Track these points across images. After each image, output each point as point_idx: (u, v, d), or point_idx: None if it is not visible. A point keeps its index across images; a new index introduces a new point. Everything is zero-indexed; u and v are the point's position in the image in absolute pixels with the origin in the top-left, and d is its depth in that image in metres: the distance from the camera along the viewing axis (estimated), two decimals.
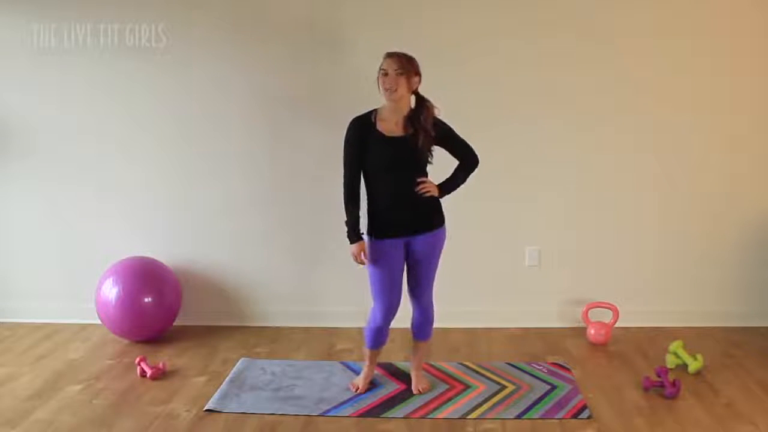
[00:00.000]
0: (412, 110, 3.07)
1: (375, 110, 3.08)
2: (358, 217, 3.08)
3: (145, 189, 4.12)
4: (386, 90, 2.99)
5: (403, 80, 2.97)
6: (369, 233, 3.11)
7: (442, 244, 3.17)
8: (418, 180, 3.06)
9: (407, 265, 3.18)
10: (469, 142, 3.17)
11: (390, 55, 3.00)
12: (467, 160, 3.18)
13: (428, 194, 3.06)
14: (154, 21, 3.94)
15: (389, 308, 3.13)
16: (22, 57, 4.03)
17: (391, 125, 3.04)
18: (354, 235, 3.08)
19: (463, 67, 3.87)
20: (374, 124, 3.04)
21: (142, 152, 4.09)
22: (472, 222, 3.93)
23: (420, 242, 3.10)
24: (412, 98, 3.09)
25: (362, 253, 3.08)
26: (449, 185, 3.15)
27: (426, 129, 3.02)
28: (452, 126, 3.14)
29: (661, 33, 3.88)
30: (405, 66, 2.97)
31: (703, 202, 4.02)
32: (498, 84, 3.93)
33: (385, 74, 2.98)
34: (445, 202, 3.16)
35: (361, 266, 3.13)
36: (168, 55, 3.97)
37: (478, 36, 3.89)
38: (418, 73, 3.03)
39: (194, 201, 4.13)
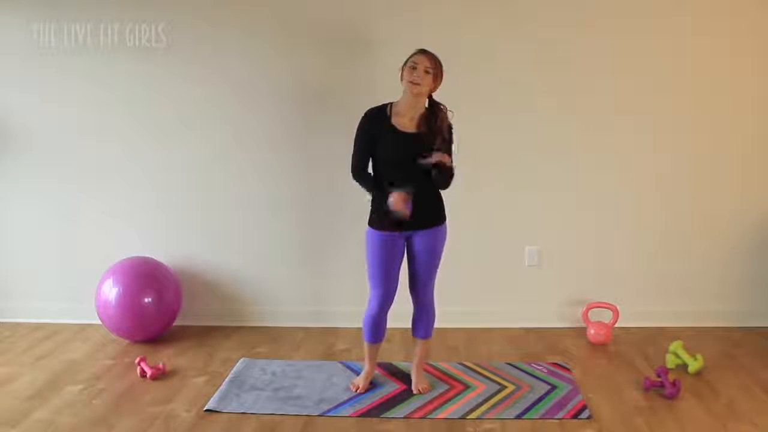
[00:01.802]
0: (427, 110, 3.10)
1: (391, 103, 3.11)
2: (372, 180, 3.07)
3: (145, 189, 4.12)
4: (410, 83, 2.99)
5: (429, 79, 3.00)
6: (371, 223, 3.12)
7: (443, 241, 3.18)
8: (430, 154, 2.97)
9: (408, 261, 3.20)
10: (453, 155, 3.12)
11: (423, 52, 3.02)
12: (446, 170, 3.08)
13: (433, 162, 2.95)
14: (154, 21, 3.94)
15: (385, 296, 3.15)
16: (22, 57, 4.03)
17: (405, 120, 3.06)
18: (381, 191, 2.99)
19: (461, 66, 3.86)
20: (389, 117, 3.07)
21: (142, 152, 4.09)
22: (472, 222, 3.93)
23: (421, 238, 3.12)
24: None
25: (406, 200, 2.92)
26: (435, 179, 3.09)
27: (442, 132, 3.05)
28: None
29: (661, 32, 3.87)
30: (435, 66, 3.01)
31: (703, 202, 4.02)
32: (496, 83, 3.92)
33: (413, 68, 2.99)
34: (445, 201, 3.17)
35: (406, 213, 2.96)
36: (168, 55, 3.97)
37: (475, 35, 3.88)
38: (441, 77, 3.05)
39: (194, 201, 4.12)
